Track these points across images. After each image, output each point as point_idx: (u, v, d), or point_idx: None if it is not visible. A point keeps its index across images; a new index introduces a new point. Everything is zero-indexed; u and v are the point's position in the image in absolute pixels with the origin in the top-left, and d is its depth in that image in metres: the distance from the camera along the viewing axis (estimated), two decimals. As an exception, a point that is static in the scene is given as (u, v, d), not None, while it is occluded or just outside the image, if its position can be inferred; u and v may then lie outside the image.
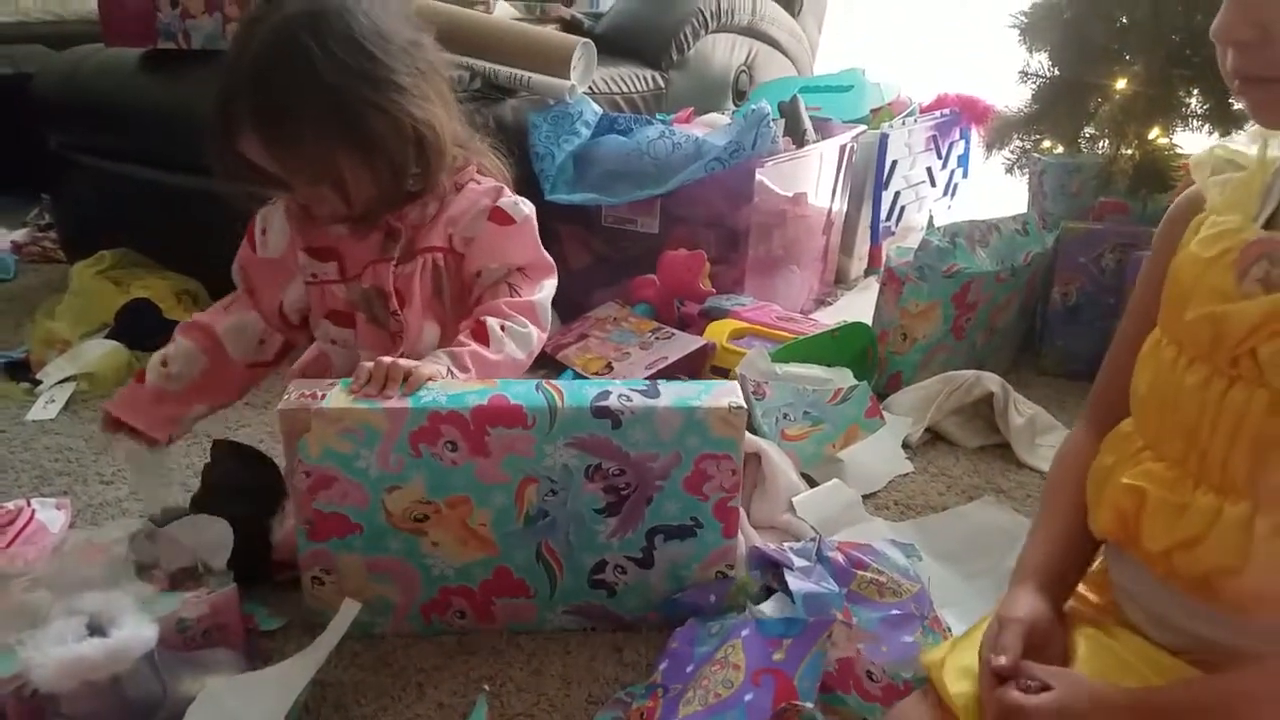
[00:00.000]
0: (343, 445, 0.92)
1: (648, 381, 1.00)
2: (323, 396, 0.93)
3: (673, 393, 0.97)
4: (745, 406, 0.96)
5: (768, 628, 0.91)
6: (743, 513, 1.10)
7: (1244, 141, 0.75)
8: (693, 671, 0.91)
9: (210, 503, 1.10)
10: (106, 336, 1.75)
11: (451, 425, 0.93)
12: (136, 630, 0.80)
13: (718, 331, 1.63)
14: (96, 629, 0.81)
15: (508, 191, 1.15)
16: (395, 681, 0.96)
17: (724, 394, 0.97)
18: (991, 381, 1.52)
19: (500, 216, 1.12)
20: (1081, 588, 0.83)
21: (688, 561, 1.02)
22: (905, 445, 1.48)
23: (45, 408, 1.58)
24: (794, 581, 0.98)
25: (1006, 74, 1.87)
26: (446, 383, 0.97)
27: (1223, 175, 0.74)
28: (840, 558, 1.01)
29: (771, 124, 1.72)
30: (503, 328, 1.06)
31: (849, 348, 1.58)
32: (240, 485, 1.13)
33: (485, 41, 1.86)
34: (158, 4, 1.89)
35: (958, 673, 0.77)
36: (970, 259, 1.61)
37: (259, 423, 1.53)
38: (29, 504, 1.21)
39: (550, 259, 1.16)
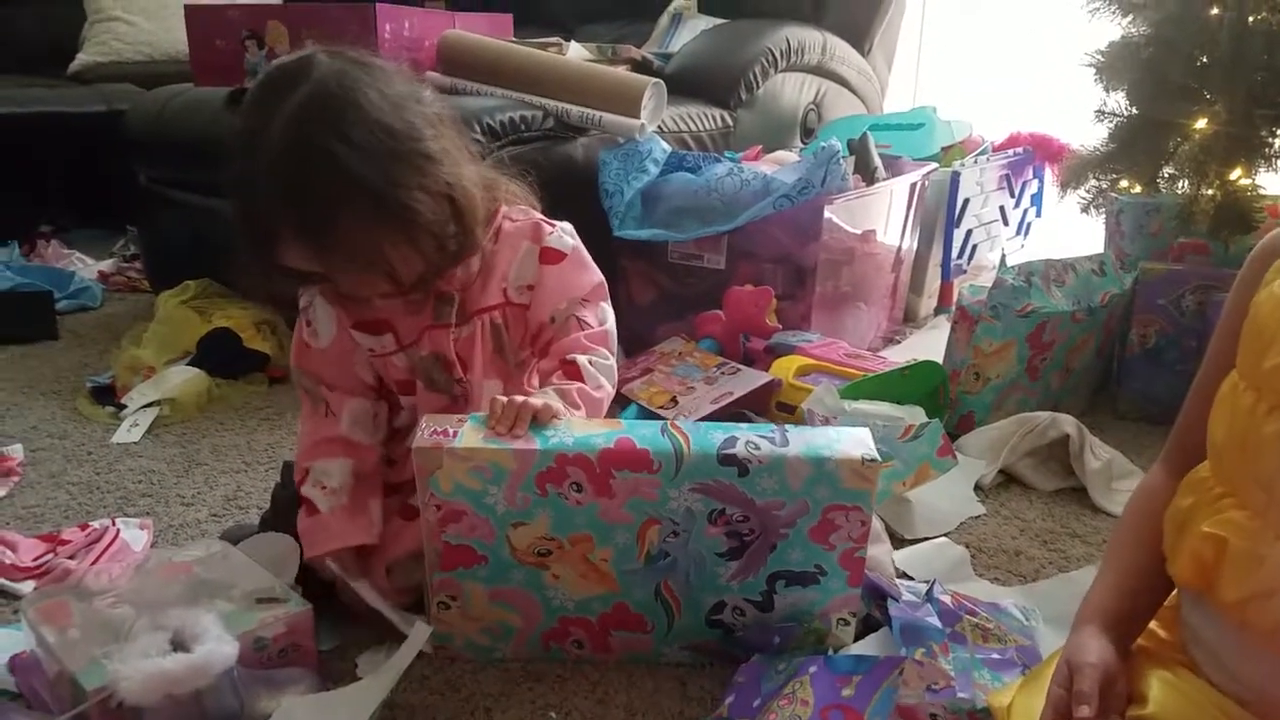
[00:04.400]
0: (472, 482, 0.93)
1: (775, 427, 0.97)
2: (454, 434, 0.93)
3: (803, 441, 0.94)
4: (879, 459, 0.92)
5: (837, 664, 0.91)
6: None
7: None
8: (759, 706, 0.90)
9: (277, 521, 1.13)
10: (189, 364, 1.80)
11: (577, 468, 0.92)
12: (218, 646, 0.82)
13: (784, 368, 1.61)
14: (180, 644, 0.83)
15: (544, 224, 1.13)
16: (464, 706, 0.96)
17: (856, 444, 0.94)
18: (1067, 423, 1.48)
19: (551, 256, 1.11)
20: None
21: (809, 607, 0.99)
22: (978, 487, 1.45)
23: (129, 431, 1.62)
24: (895, 610, 0.97)
25: (1081, 112, 1.84)
26: (571, 422, 0.97)
27: None
28: (950, 601, 0.99)
29: (841, 161, 1.72)
30: (590, 363, 1.06)
31: (920, 386, 1.56)
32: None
33: (558, 82, 1.90)
34: (245, 44, 1.97)
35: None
36: (1046, 298, 1.58)
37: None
38: (114, 523, 1.25)
39: (600, 274, 1.15)
